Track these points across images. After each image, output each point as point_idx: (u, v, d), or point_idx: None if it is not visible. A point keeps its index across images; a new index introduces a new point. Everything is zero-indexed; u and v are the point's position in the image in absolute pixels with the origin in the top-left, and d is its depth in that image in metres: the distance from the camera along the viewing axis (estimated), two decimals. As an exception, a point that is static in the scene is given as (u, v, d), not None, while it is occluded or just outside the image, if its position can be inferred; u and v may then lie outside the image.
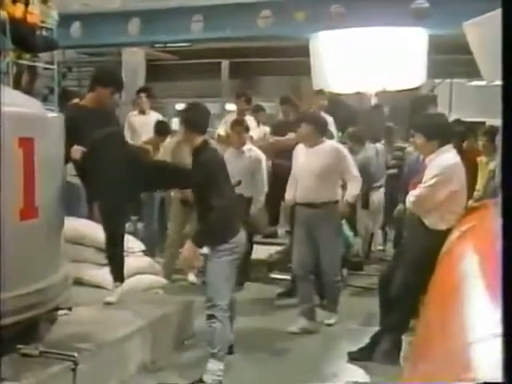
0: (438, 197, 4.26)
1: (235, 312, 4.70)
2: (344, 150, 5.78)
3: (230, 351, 4.60)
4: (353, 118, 8.72)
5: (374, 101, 10.19)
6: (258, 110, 8.55)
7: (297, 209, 5.63)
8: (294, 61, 11.64)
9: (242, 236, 4.40)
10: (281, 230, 7.65)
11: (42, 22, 9.08)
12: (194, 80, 13.11)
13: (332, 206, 5.50)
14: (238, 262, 4.38)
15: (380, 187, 8.09)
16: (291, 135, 6.82)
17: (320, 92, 8.45)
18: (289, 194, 5.79)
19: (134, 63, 13.09)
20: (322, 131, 5.57)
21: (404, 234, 5.84)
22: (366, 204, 7.88)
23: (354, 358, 4.74)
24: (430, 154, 4.39)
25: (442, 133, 4.39)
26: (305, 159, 5.52)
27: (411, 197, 4.42)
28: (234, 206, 4.44)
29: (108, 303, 4.71)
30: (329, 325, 5.73)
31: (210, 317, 4.20)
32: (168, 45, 13.31)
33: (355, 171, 5.64)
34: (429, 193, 4.28)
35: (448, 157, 4.36)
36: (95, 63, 13.97)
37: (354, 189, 5.62)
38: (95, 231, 5.67)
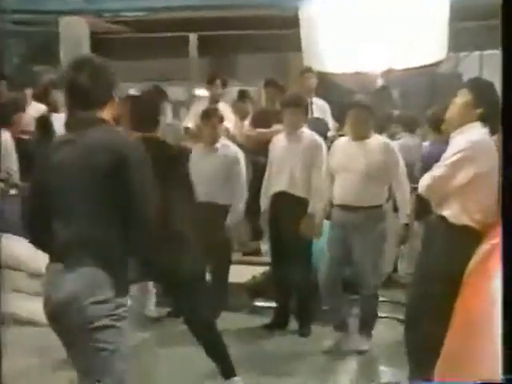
0: (460, 178, 4.16)
1: None
2: (395, 149, 5.85)
3: None
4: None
5: (379, 82, 10.20)
6: (242, 97, 8.43)
7: (333, 211, 5.82)
8: (280, 34, 11.66)
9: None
10: (265, 246, 7.63)
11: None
12: (154, 59, 13.11)
13: (375, 211, 5.68)
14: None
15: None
16: (277, 127, 6.82)
17: (307, 70, 8.33)
18: (265, 194, 6.36)
19: (74, 36, 12.95)
20: (306, 113, 6.47)
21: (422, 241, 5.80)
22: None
23: None
24: (458, 126, 4.34)
25: (490, 104, 4.26)
26: (348, 154, 5.69)
27: (425, 180, 4.38)
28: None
29: None
30: (361, 352, 5.78)
31: None
32: (120, 14, 13.25)
33: (404, 180, 5.74)
34: (449, 172, 4.20)
35: (477, 132, 4.31)
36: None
37: (403, 204, 5.75)
38: (30, 251, 5.62)
